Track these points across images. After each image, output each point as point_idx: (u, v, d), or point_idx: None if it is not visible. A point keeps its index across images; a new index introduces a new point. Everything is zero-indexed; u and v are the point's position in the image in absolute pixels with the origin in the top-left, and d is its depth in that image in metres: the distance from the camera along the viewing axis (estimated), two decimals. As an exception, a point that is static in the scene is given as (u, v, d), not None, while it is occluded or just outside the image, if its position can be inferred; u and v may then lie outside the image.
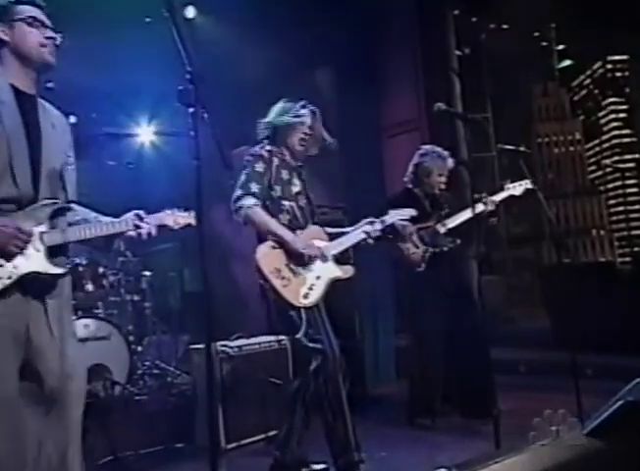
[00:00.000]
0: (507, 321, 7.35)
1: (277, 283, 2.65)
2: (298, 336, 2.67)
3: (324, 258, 2.82)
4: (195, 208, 1.77)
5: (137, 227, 2.09)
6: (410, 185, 3.76)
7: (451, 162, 3.71)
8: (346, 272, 2.89)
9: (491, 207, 3.51)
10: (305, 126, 2.90)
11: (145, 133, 6.63)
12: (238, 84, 5.57)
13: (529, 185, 3.46)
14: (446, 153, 3.71)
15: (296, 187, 2.89)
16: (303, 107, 2.92)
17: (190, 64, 1.69)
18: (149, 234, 2.10)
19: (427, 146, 3.81)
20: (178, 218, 2.15)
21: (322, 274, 2.79)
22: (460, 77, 5.77)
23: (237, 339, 3.62)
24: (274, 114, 2.91)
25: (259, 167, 2.78)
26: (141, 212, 2.12)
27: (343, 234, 2.99)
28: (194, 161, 1.68)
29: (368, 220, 3.05)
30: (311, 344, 2.67)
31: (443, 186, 3.74)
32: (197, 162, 1.63)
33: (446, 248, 3.56)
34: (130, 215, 2.10)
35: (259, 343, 3.58)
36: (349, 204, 4.68)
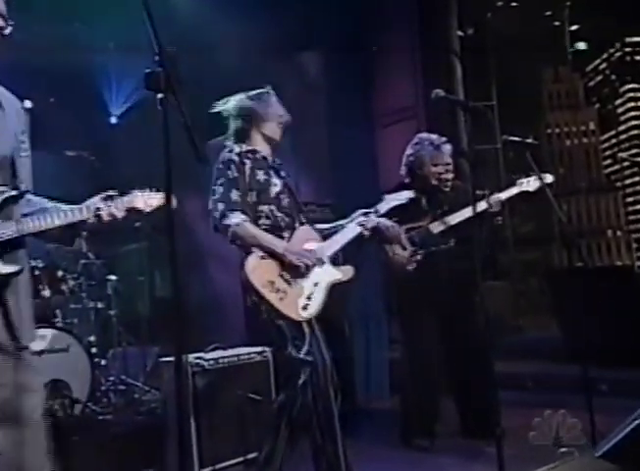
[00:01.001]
0: (513, 331, 7.39)
1: (272, 297, 2.65)
2: (288, 349, 2.69)
3: (320, 261, 2.83)
4: (165, 202, 1.76)
5: (98, 212, 2.05)
6: (407, 180, 3.77)
7: (448, 149, 3.69)
8: (345, 273, 2.90)
9: (496, 206, 3.54)
10: (278, 113, 2.95)
11: (112, 120, 6.63)
12: (214, 68, 5.57)
13: (547, 180, 3.47)
14: (440, 139, 3.69)
15: (277, 187, 2.89)
16: (268, 93, 2.97)
17: (159, 44, 1.68)
18: (113, 216, 2.07)
19: (421, 135, 3.80)
20: (149, 199, 2.14)
21: (320, 279, 2.80)
22: (462, 60, 5.81)
23: (213, 350, 3.60)
24: (239, 106, 2.93)
25: (232, 173, 2.79)
26: (112, 192, 2.10)
27: (335, 230, 3.01)
28: (164, 152, 1.67)
29: (362, 211, 3.08)
30: (300, 355, 2.68)
31: (449, 177, 3.72)
32: (167, 155, 1.62)
33: (434, 249, 3.55)
34: (95, 198, 2.07)
35: (238, 355, 3.57)
36: (339, 201, 4.70)
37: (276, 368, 3.55)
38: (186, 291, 4.76)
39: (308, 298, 2.73)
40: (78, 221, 2.04)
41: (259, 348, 3.61)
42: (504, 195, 3.62)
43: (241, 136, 2.92)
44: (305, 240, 2.86)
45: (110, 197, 2.08)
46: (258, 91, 2.97)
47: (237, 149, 2.86)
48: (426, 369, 3.58)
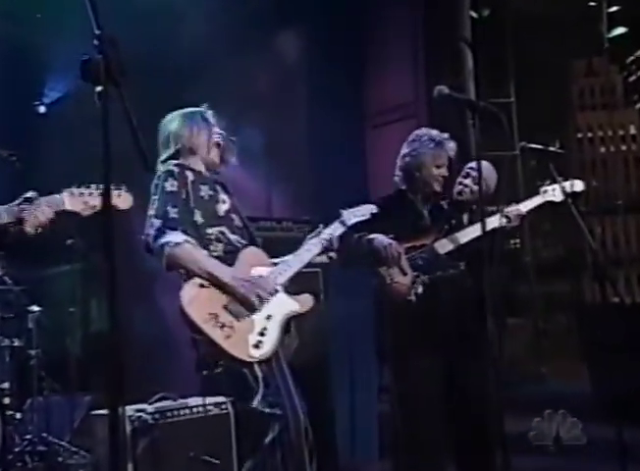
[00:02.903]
0: (534, 379, 7.42)
1: (216, 334, 2.68)
2: (254, 404, 2.72)
3: (272, 291, 2.88)
4: (103, 220, 1.77)
5: (19, 219, 2.07)
6: (403, 186, 3.78)
7: (452, 147, 3.73)
8: (303, 303, 2.96)
9: (515, 220, 3.59)
10: (216, 127, 3.09)
11: (41, 109, 6.64)
12: (170, 54, 5.60)
13: (576, 187, 3.51)
14: (442, 135, 3.73)
15: (225, 205, 2.99)
16: (202, 109, 3.12)
17: (99, 26, 1.70)
18: (38, 222, 2.08)
19: (418, 131, 3.83)
20: (87, 198, 2.16)
21: (274, 311, 2.84)
22: (475, 48, 5.89)
23: (159, 400, 3.59)
24: (175, 121, 3.06)
25: (170, 186, 2.86)
26: (32, 194, 2.11)
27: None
28: (103, 157, 1.69)
29: (317, 230, 3.19)
30: (267, 409, 2.70)
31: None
32: (106, 159, 1.64)
33: (440, 274, 3.56)
34: (12, 204, 2.08)
35: (191, 408, 3.55)
36: (322, 217, 4.72)
37: (239, 422, 3.54)
38: (127, 326, 4.74)
39: (261, 334, 2.77)
40: None
41: (218, 399, 3.59)
42: (524, 207, 3.67)
43: (177, 155, 3.03)
44: (253, 265, 2.91)
45: (28, 200, 2.09)
46: (194, 111, 3.10)
47: (176, 161, 2.96)
48: (425, 426, 3.56)
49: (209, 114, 3.12)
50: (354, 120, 6.26)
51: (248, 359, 2.70)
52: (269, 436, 2.70)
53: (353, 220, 3.34)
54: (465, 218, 3.92)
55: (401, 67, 6.14)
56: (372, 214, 3.43)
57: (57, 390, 4.96)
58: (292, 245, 3.15)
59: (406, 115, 5.99)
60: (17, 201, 2.10)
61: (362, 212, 3.40)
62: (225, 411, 3.60)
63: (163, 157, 3.03)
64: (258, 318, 2.79)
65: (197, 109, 3.12)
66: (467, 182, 3.88)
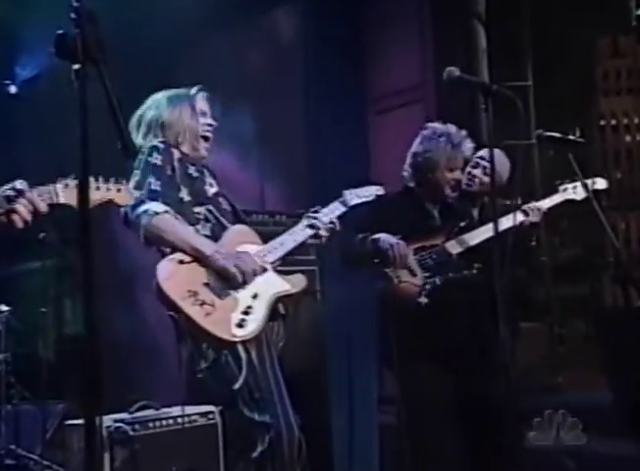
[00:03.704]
0: (550, 390, 7.43)
1: (194, 311, 2.68)
2: (236, 386, 2.72)
3: (260, 269, 2.91)
4: (80, 210, 1.78)
5: (9, 211, 2.08)
6: (411, 183, 3.81)
7: (469, 148, 3.75)
8: (295, 284, 2.99)
9: (534, 216, 3.61)
10: (207, 116, 3.12)
11: (11, 89, 6.60)
12: (155, 31, 5.59)
13: (598, 185, 3.52)
14: (461, 134, 3.74)
15: (213, 188, 3.04)
16: (192, 91, 3.12)
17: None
18: (30, 216, 2.10)
19: (434, 125, 3.84)
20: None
21: (261, 290, 2.86)
22: (488, 25, 5.89)
23: (140, 409, 3.60)
24: (159, 107, 3.07)
25: (156, 160, 2.90)
26: (21, 184, 2.13)
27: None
28: (81, 141, 1.69)
29: (311, 210, 3.25)
30: (256, 416, 2.70)
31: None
32: (83, 144, 1.64)
33: (453, 276, 3.58)
34: None
35: (174, 418, 3.57)
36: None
37: (226, 433, 3.55)
38: (105, 328, 4.74)
39: (245, 313, 2.78)
40: None
41: (204, 408, 3.61)
42: (544, 204, 3.68)
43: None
44: (239, 243, 2.95)
45: (17, 190, 2.10)
46: (182, 94, 3.11)
47: (161, 138, 3.00)
48: (434, 439, 3.58)
49: (200, 98, 3.12)
50: (355, 105, 6.23)
51: (231, 338, 2.71)
52: (258, 448, 2.69)
53: (355, 200, 3.40)
54: (475, 213, 3.94)
55: (407, 46, 6.11)
56: (377, 206, 3.44)
57: (27, 397, 4.96)
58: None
59: (413, 99, 5.96)
60: (2, 191, 2.10)
61: (366, 193, 3.45)
62: (212, 421, 3.61)
63: (142, 141, 3.06)
64: (243, 296, 2.81)
65: (186, 92, 3.12)
66: (477, 172, 3.88)
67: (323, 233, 3.21)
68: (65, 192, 2.20)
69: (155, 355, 5.21)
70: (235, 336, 2.72)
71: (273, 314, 2.89)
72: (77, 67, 1.71)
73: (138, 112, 3.11)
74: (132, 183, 2.84)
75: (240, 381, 2.72)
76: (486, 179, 3.78)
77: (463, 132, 3.75)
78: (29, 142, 6.14)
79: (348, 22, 6.17)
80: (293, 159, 6.01)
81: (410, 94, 6.02)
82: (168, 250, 2.85)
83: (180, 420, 3.57)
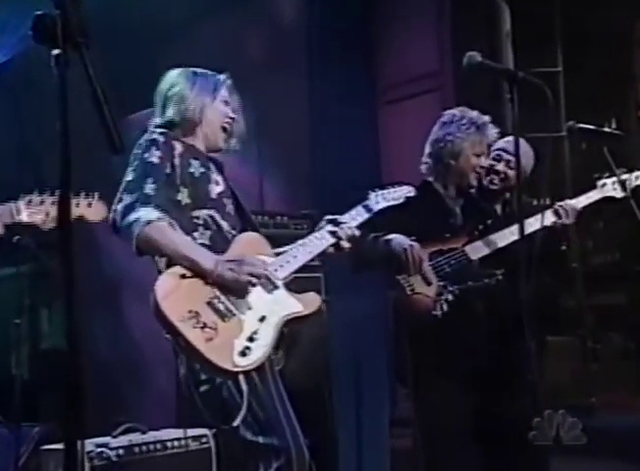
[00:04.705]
0: (582, 412, 7.41)
1: (194, 336, 2.66)
2: (236, 422, 2.69)
3: (269, 285, 2.88)
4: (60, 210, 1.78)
5: None
6: (430, 178, 3.81)
7: (494, 133, 3.76)
8: (307, 304, 2.95)
9: (570, 216, 3.61)
10: (229, 107, 3.09)
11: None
12: (143, 12, 5.59)
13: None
14: (483, 118, 3.75)
15: (219, 187, 3.00)
16: (220, 77, 3.10)
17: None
18: None
19: (454, 110, 3.85)
20: (50, 208, 2.17)
21: (269, 312, 2.84)
22: (513, 5, 5.88)
23: (125, 432, 3.60)
24: (174, 93, 3.03)
25: (153, 157, 2.86)
26: None
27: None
28: (60, 134, 1.70)
29: (330, 217, 3.17)
30: (261, 439, 2.69)
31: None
32: (64, 138, 1.64)
33: (472, 284, 3.58)
34: None
35: (164, 442, 3.57)
36: (325, 210, 4.73)
37: (220, 460, 3.56)
38: (87, 342, 4.73)
39: (250, 339, 2.75)
40: None
41: (197, 431, 3.61)
42: (578, 203, 3.69)
43: (172, 126, 3.02)
44: (251, 251, 2.91)
45: None
46: (208, 75, 3.09)
47: (161, 129, 2.96)
48: (451, 467, 3.57)
49: (226, 86, 3.11)
50: (365, 93, 6.22)
51: (232, 368, 2.69)
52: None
53: (381, 204, 3.35)
54: (498, 209, 3.94)
55: (423, 29, 6.09)
56: (391, 209, 3.41)
57: (-1, 420, 4.96)
58: (287, 244, 3.13)
59: (429, 88, 5.95)
60: None
61: (395, 195, 3.41)
62: (205, 446, 3.61)
63: (155, 122, 3.04)
64: (249, 318, 2.78)
65: (214, 75, 3.11)
66: (500, 167, 3.87)
67: (345, 244, 3.13)
68: (28, 210, 2.20)
69: (142, 372, 5.21)
70: (237, 365, 2.69)
71: (281, 338, 2.86)
72: (56, 52, 1.70)
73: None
74: (123, 185, 2.83)
75: (240, 416, 2.69)
76: (510, 172, 3.78)
77: (486, 117, 3.76)
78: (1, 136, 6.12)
79: (357, 1, 6.17)
80: (296, 154, 6.00)
81: (426, 82, 6.01)
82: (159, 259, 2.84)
83: (169, 444, 3.58)
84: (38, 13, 1.72)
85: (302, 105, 6.06)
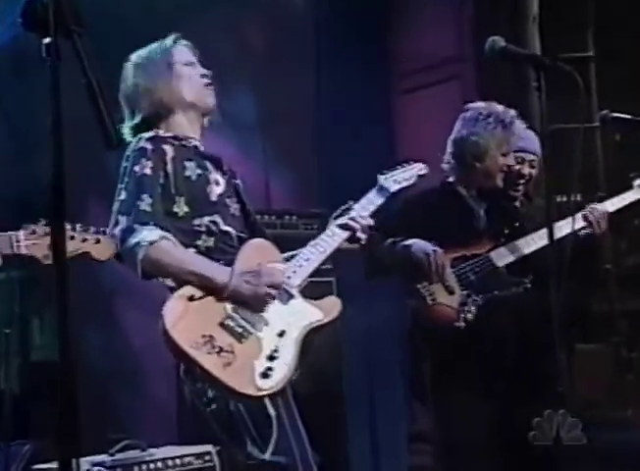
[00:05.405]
0: (616, 426, 7.39)
1: (211, 363, 2.65)
2: (266, 455, 2.68)
3: (284, 295, 2.86)
4: (52, 214, 1.78)
5: None
6: (451, 178, 3.82)
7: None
8: (328, 311, 2.92)
9: (600, 222, 3.63)
10: (197, 67, 3.07)
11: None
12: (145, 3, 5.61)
13: None
14: (510, 113, 3.76)
15: (219, 187, 2.96)
16: (177, 43, 3.08)
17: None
18: None
19: (475, 105, 3.86)
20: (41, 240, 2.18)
21: (287, 325, 2.82)
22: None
23: (123, 450, 3.61)
24: (136, 73, 3.01)
25: (145, 168, 2.83)
26: None
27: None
28: (51, 130, 1.70)
29: (341, 208, 3.13)
30: (268, 457, 2.68)
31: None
32: (56, 135, 1.64)
33: (499, 293, 3.58)
34: None
35: (164, 460, 3.58)
36: (335, 208, 4.73)
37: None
38: (81, 353, 4.74)
39: (271, 358, 2.73)
40: None
41: (200, 448, 3.61)
42: (613, 204, 3.70)
43: (152, 122, 3.00)
44: (261, 259, 2.88)
45: None
46: (150, 55, 3.06)
47: (150, 133, 2.93)
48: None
49: (180, 50, 3.08)
50: (379, 82, 6.21)
51: (256, 393, 2.66)
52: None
53: (396, 186, 3.30)
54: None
55: (441, 12, 6.10)
56: (409, 204, 3.39)
57: (-13, 436, 4.98)
58: (296, 247, 3.13)
59: (448, 76, 5.95)
60: None
61: (406, 175, 3.36)
62: (209, 464, 3.62)
63: (130, 123, 3.01)
64: (267, 335, 2.75)
65: (160, 47, 3.08)
66: (525, 170, 3.86)
67: (361, 234, 3.06)
68: (28, 241, 2.20)
69: (141, 384, 5.21)
70: (260, 389, 2.66)
71: (303, 351, 2.81)
72: (48, 41, 1.70)
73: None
74: (116, 205, 2.81)
75: (272, 447, 2.68)
76: (534, 172, 3.78)
77: (513, 112, 3.75)
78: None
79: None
80: (304, 148, 6.00)
81: (445, 70, 6.01)
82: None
83: (171, 463, 3.58)
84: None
85: (310, 96, 6.06)
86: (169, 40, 3.07)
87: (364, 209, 3.17)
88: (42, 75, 1.71)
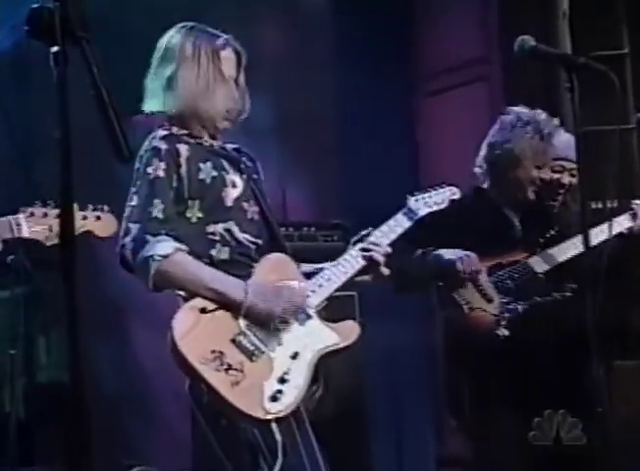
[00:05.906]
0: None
1: (218, 380, 2.66)
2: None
3: (301, 315, 2.87)
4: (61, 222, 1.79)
5: None
6: (485, 184, 3.83)
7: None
8: (345, 335, 2.92)
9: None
10: (231, 78, 3.05)
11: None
12: (150, 2, 5.63)
13: None
14: (553, 123, 3.77)
15: (236, 189, 2.95)
16: (220, 40, 3.05)
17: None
18: None
19: (517, 109, 3.86)
20: (53, 221, 2.19)
21: (302, 347, 2.82)
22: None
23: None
24: (160, 65, 3.01)
25: (158, 171, 2.83)
26: None
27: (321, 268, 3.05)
28: (60, 141, 1.70)
29: (363, 232, 3.11)
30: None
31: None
32: (64, 144, 1.64)
33: (540, 300, 3.59)
34: None
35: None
36: (355, 221, 4.73)
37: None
38: (92, 374, 4.75)
39: (282, 381, 2.73)
40: None
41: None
42: None
43: (172, 117, 2.99)
44: (276, 280, 2.88)
45: None
46: (185, 29, 3.04)
47: (162, 132, 2.92)
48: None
49: (226, 54, 3.06)
50: (401, 85, 6.20)
51: (263, 416, 2.67)
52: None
53: (425, 209, 3.29)
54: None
55: (467, 11, 6.10)
56: (440, 212, 3.37)
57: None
58: (315, 259, 3.13)
59: (474, 77, 5.94)
60: None
61: (437, 198, 3.36)
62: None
63: (150, 107, 3.02)
64: (279, 356, 2.76)
65: (209, 39, 3.04)
66: (566, 180, 3.85)
67: (378, 257, 3.02)
68: (29, 224, 2.21)
69: (153, 407, 5.21)
70: (268, 412, 2.68)
71: (315, 376, 2.83)
72: (55, 49, 1.71)
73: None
74: (127, 212, 2.82)
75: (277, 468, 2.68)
76: (574, 181, 3.77)
77: (556, 121, 3.75)
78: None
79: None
80: (322, 154, 6.00)
81: (471, 71, 6.01)
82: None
83: (185, 490, 3.58)
84: (35, 6, 1.72)
85: (329, 100, 6.06)
86: (220, 40, 3.05)
87: (390, 233, 3.14)
88: (44, 79, 1.72)
